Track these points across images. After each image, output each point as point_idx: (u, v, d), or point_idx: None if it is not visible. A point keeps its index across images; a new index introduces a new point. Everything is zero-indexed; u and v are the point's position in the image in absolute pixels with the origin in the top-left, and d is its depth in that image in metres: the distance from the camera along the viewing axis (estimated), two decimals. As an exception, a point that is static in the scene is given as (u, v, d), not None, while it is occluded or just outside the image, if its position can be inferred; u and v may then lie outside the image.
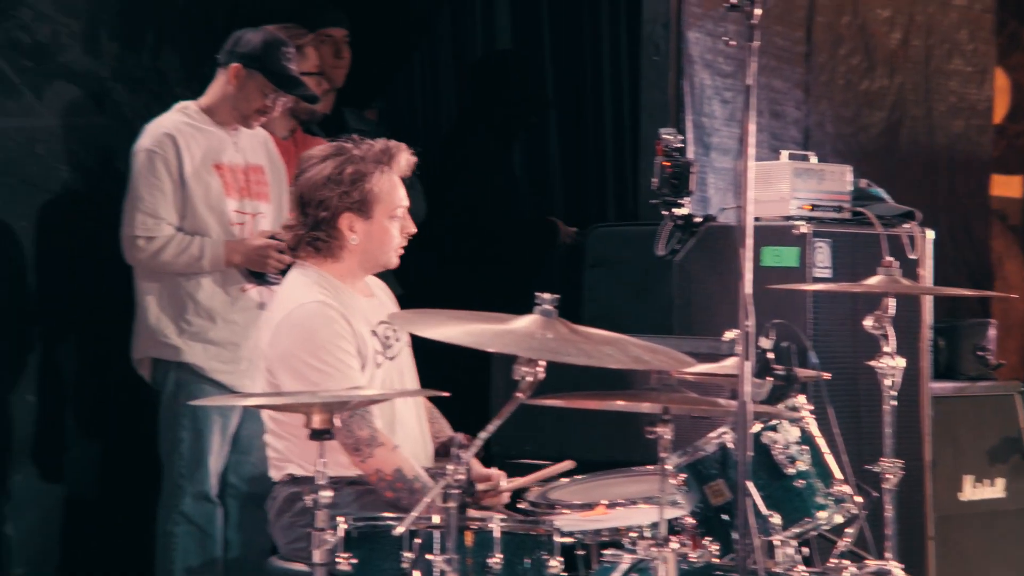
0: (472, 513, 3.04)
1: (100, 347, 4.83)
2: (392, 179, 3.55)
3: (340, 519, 2.95)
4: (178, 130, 4.38)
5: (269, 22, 4.64)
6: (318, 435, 2.86)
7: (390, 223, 3.55)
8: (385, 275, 3.83)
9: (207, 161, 4.40)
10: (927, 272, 4.52)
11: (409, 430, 3.56)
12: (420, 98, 5.89)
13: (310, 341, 3.41)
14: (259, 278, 4.42)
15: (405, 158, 3.57)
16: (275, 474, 3.52)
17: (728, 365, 3.51)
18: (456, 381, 3.28)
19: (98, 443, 4.98)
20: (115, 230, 4.37)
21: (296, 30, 4.71)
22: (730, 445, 3.44)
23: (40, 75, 4.79)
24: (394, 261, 3.62)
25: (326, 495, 2.85)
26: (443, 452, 3.61)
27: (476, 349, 2.88)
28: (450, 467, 2.80)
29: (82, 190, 4.90)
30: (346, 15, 5.22)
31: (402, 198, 3.58)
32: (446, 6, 5.79)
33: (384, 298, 3.71)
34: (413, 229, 3.62)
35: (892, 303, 3.68)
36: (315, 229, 3.51)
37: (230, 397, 4.29)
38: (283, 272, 4.37)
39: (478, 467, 3.54)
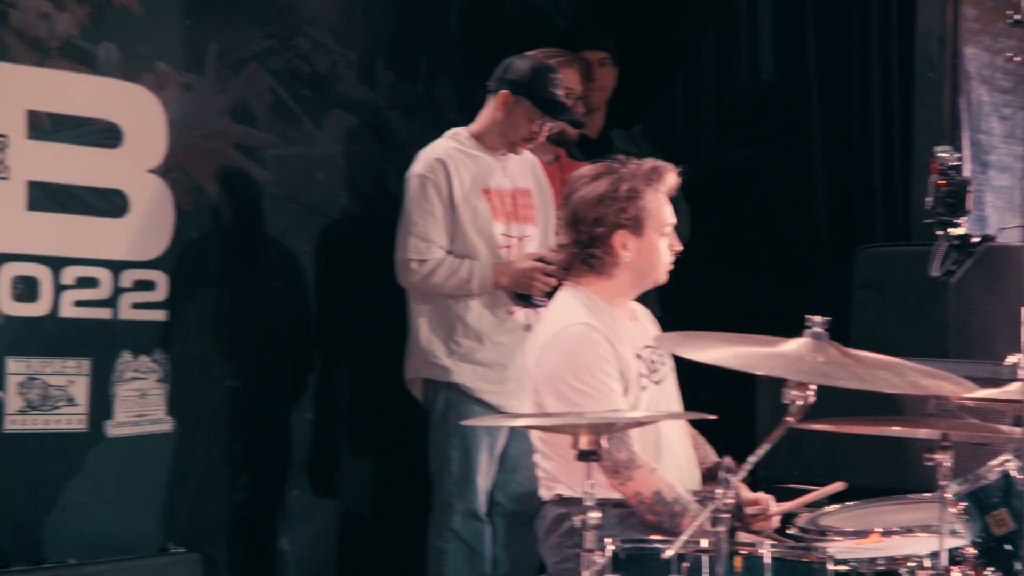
0: (741, 538, 2.99)
1: (375, 367, 4.97)
2: (660, 197, 3.56)
3: (608, 540, 2.95)
4: (449, 156, 4.48)
5: (538, 47, 4.71)
6: (585, 456, 2.87)
7: (660, 240, 3.57)
8: (647, 297, 3.83)
9: (476, 186, 4.48)
10: None
11: (676, 454, 3.54)
12: (681, 119, 5.87)
13: (573, 362, 3.44)
14: (525, 300, 4.48)
15: (671, 177, 3.58)
16: (544, 493, 3.55)
17: (1012, 390, 3.37)
18: (720, 404, 3.24)
19: (371, 460, 5.12)
20: (390, 254, 4.49)
21: (553, 52, 4.75)
22: (1014, 473, 3.30)
23: (319, 104, 4.96)
24: (663, 278, 3.63)
25: (594, 516, 2.85)
26: (709, 477, 3.58)
27: (741, 372, 2.84)
28: (719, 491, 2.77)
29: (359, 215, 5.05)
30: (610, 38, 5.25)
31: (670, 215, 3.59)
32: (711, 26, 5.76)
33: (647, 323, 3.71)
34: (680, 247, 3.62)
35: None
36: (590, 247, 3.54)
37: (498, 417, 4.35)
38: (549, 294, 4.42)
39: (745, 491, 3.50)
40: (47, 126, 4.29)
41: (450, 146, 4.51)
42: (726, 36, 5.71)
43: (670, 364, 3.62)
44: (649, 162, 3.58)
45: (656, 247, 3.56)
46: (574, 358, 3.44)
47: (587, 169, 3.62)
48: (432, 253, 4.43)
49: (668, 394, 3.61)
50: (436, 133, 4.60)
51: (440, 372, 4.48)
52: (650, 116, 5.76)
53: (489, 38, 5.31)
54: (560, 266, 3.62)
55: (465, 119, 4.61)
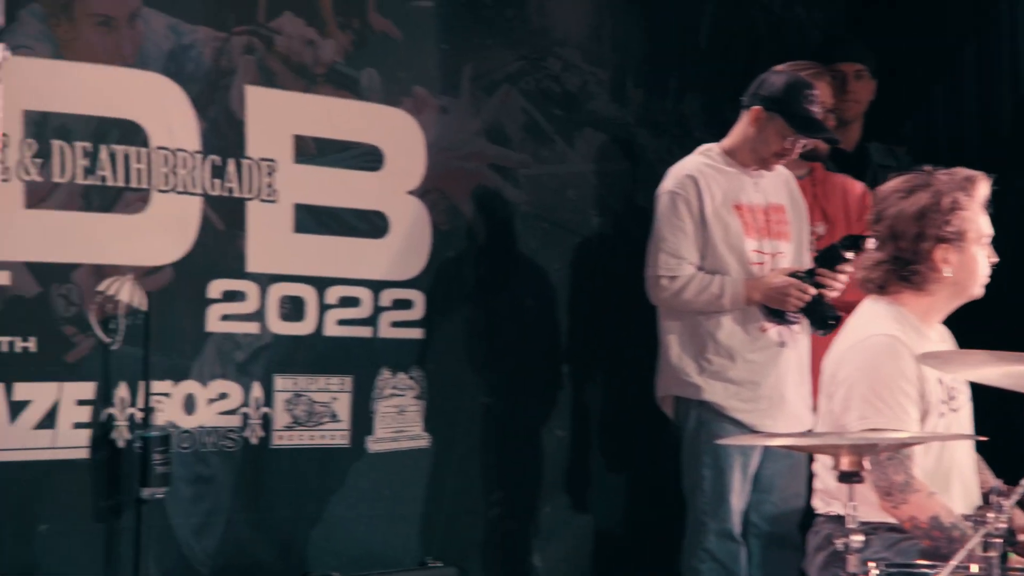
0: (1015, 563, 2.89)
1: (626, 384, 4.98)
2: (977, 207, 3.46)
3: (871, 564, 2.89)
4: (699, 172, 4.45)
5: (790, 60, 4.64)
6: (846, 477, 2.83)
7: (979, 252, 3.47)
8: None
9: (727, 201, 4.45)
10: None
11: (965, 480, 3.42)
12: (942, 131, 5.71)
13: (873, 374, 3.35)
14: (778, 317, 4.41)
15: (985, 186, 3.47)
16: (820, 506, 3.48)
17: None
18: (990, 424, 3.14)
19: (624, 477, 5.12)
20: (640, 271, 4.49)
21: (803, 65, 4.67)
22: None
23: (571, 123, 5.01)
24: (979, 292, 3.51)
25: (857, 539, 2.80)
26: (984, 501, 3.45)
27: (1015, 391, 2.75)
28: (990, 515, 2.68)
29: (610, 233, 5.07)
30: (868, 49, 5.13)
31: (987, 226, 3.47)
32: (973, 36, 5.59)
33: (950, 345, 3.59)
34: (996, 258, 3.50)
35: None
36: (911, 263, 3.46)
37: (752, 437, 4.30)
38: (803, 311, 4.34)
39: (1022, 516, 3.37)
40: (313, 150, 4.44)
41: (701, 162, 4.49)
42: (988, 46, 5.53)
43: (967, 393, 3.50)
44: (961, 171, 3.47)
45: (976, 260, 3.46)
46: (874, 369, 3.35)
47: (897, 183, 3.52)
48: (683, 269, 4.41)
49: (962, 423, 3.48)
50: (684, 150, 4.59)
51: (691, 390, 4.46)
52: (910, 129, 5.62)
53: (739, 53, 5.27)
54: (875, 283, 3.53)
55: (712, 136, 4.58)
